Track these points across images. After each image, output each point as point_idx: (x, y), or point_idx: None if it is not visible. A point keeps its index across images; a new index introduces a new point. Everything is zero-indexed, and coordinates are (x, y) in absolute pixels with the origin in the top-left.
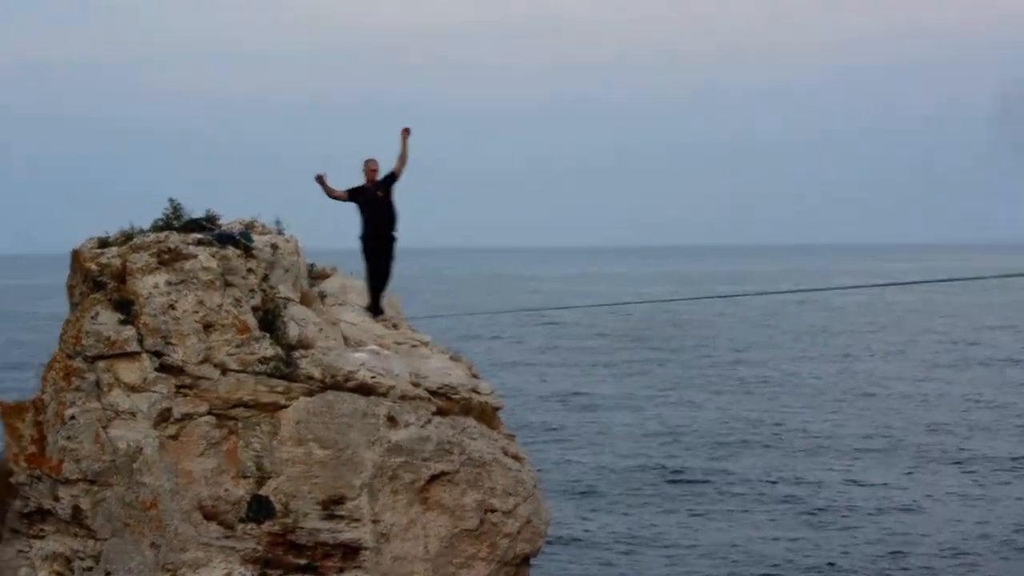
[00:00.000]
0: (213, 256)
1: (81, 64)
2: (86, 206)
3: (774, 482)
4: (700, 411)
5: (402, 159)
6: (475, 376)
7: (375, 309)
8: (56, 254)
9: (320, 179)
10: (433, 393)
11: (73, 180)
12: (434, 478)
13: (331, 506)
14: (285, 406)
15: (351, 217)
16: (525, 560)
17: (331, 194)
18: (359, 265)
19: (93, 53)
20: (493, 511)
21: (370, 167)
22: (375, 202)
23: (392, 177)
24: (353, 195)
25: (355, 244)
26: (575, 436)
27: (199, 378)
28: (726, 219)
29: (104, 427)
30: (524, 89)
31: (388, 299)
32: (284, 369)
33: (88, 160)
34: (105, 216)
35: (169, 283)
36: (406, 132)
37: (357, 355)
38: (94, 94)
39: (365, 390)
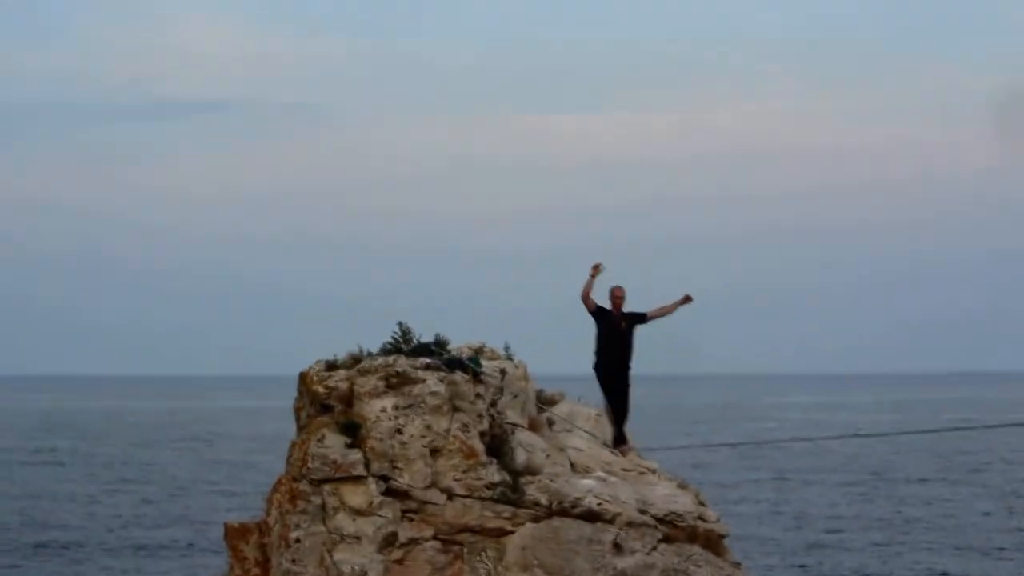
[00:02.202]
0: (441, 381)
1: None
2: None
3: None
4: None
5: (663, 312)
6: (702, 503)
7: (620, 439)
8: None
9: (597, 269)
10: (660, 520)
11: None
12: None
13: None
14: (511, 532)
15: (579, 343)
16: None
17: (587, 290)
18: (587, 391)
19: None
20: None
21: (616, 294)
22: (617, 332)
23: (641, 318)
24: (598, 315)
25: (582, 370)
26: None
27: (425, 503)
28: (896, 345)
29: (329, 551)
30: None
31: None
32: (511, 495)
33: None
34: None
35: (397, 407)
36: (688, 299)
37: (584, 481)
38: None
39: (591, 517)
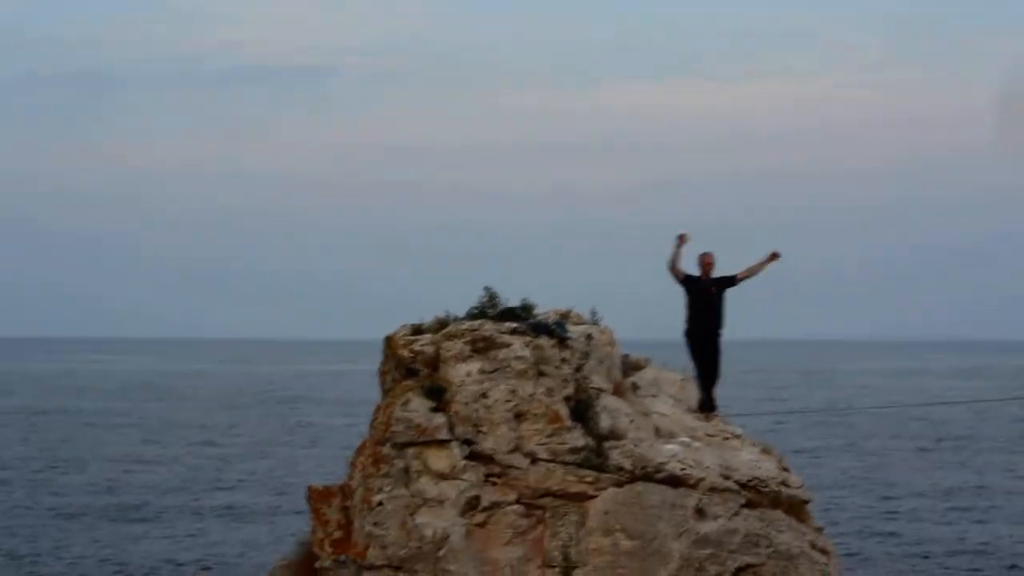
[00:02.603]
0: (527, 345)
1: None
2: None
3: None
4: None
5: (751, 272)
6: (785, 469)
7: (707, 405)
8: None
9: (683, 238)
10: (742, 486)
11: None
12: (740, 570)
13: None
14: (593, 496)
15: (667, 308)
16: None
17: (675, 260)
18: (674, 357)
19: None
20: None
21: (706, 260)
22: (706, 297)
23: (731, 281)
24: (687, 282)
25: (669, 336)
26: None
27: (508, 467)
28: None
29: (411, 514)
30: None
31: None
32: (594, 459)
33: None
34: None
35: (482, 371)
36: (775, 256)
37: (668, 447)
38: None
39: (675, 482)
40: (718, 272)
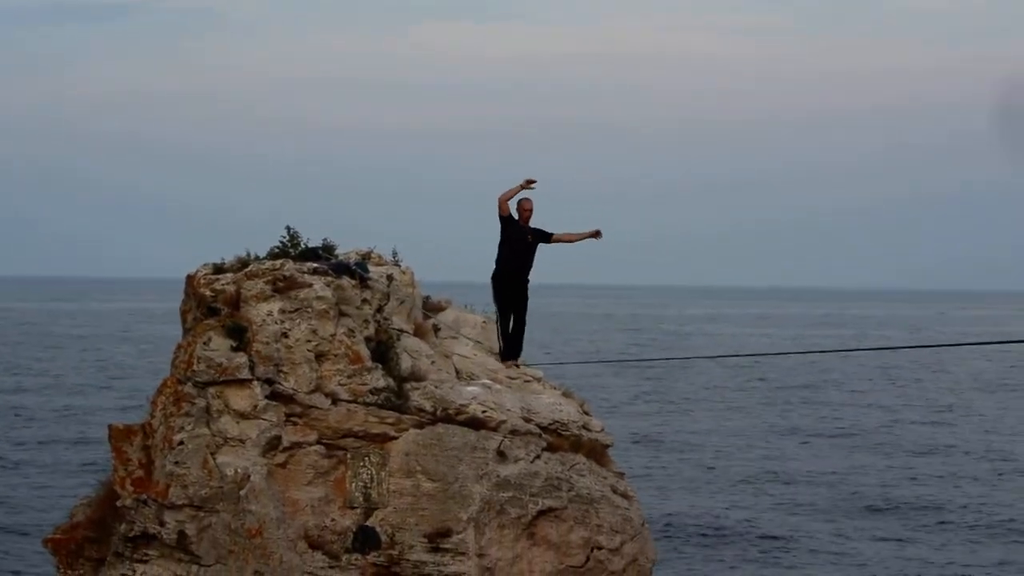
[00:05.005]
0: (328, 286)
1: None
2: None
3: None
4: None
5: (568, 239)
6: (586, 413)
7: (505, 354)
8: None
9: (529, 183)
10: (544, 429)
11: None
12: (541, 514)
13: (437, 539)
14: (395, 437)
15: (467, 251)
16: None
17: (510, 194)
18: (477, 299)
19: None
20: (600, 548)
21: (525, 207)
22: (522, 244)
23: (546, 238)
24: (506, 221)
25: (469, 278)
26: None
27: (309, 407)
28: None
29: (212, 453)
30: None
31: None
32: (395, 401)
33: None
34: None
35: (283, 311)
36: (597, 234)
37: (469, 389)
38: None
39: (476, 424)
40: (536, 224)
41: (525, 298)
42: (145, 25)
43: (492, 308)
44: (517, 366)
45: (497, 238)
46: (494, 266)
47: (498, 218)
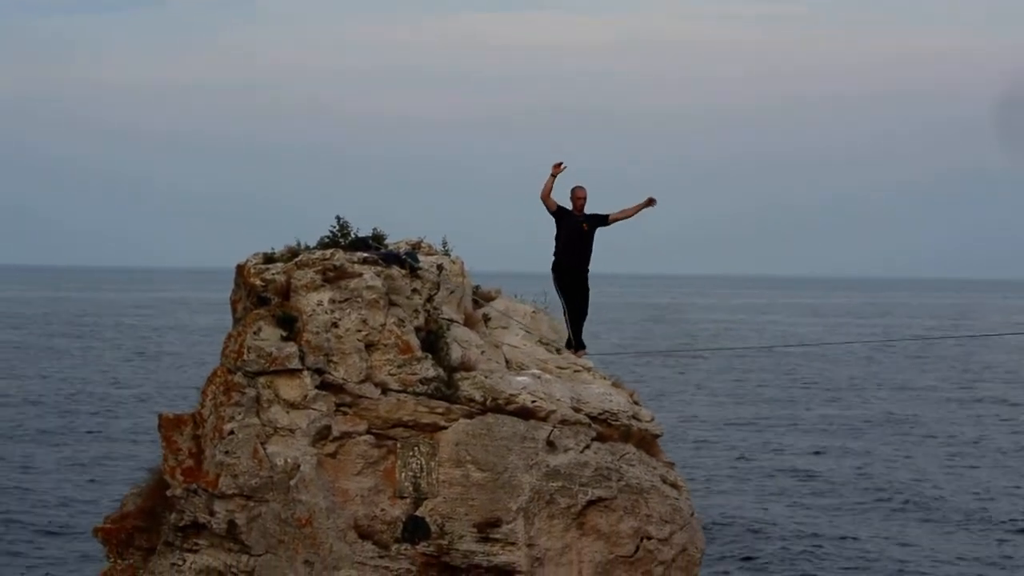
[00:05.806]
0: (378, 275)
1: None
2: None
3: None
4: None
5: (624, 215)
6: (636, 403)
7: (575, 344)
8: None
9: (558, 168)
10: (593, 419)
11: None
12: (591, 504)
13: (486, 529)
14: (445, 427)
15: (520, 241)
16: None
17: (548, 188)
18: (527, 289)
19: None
20: (649, 538)
21: (577, 194)
22: (577, 232)
23: (603, 220)
24: (559, 214)
25: (521, 267)
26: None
27: (359, 397)
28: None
29: (262, 443)
30: None
31: (549, 321)
32: (445, 391)
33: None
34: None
35: (333, 301)
36: (651, 202)
37: (519, 379)
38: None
39: (525, 414)
40: (590, 209)
41: (586, 288)
42: (181, 14)
43: (542, 298)
44: (582, 355)
45: (552, 231)
46: (553, 257)
47: (549, 214)
